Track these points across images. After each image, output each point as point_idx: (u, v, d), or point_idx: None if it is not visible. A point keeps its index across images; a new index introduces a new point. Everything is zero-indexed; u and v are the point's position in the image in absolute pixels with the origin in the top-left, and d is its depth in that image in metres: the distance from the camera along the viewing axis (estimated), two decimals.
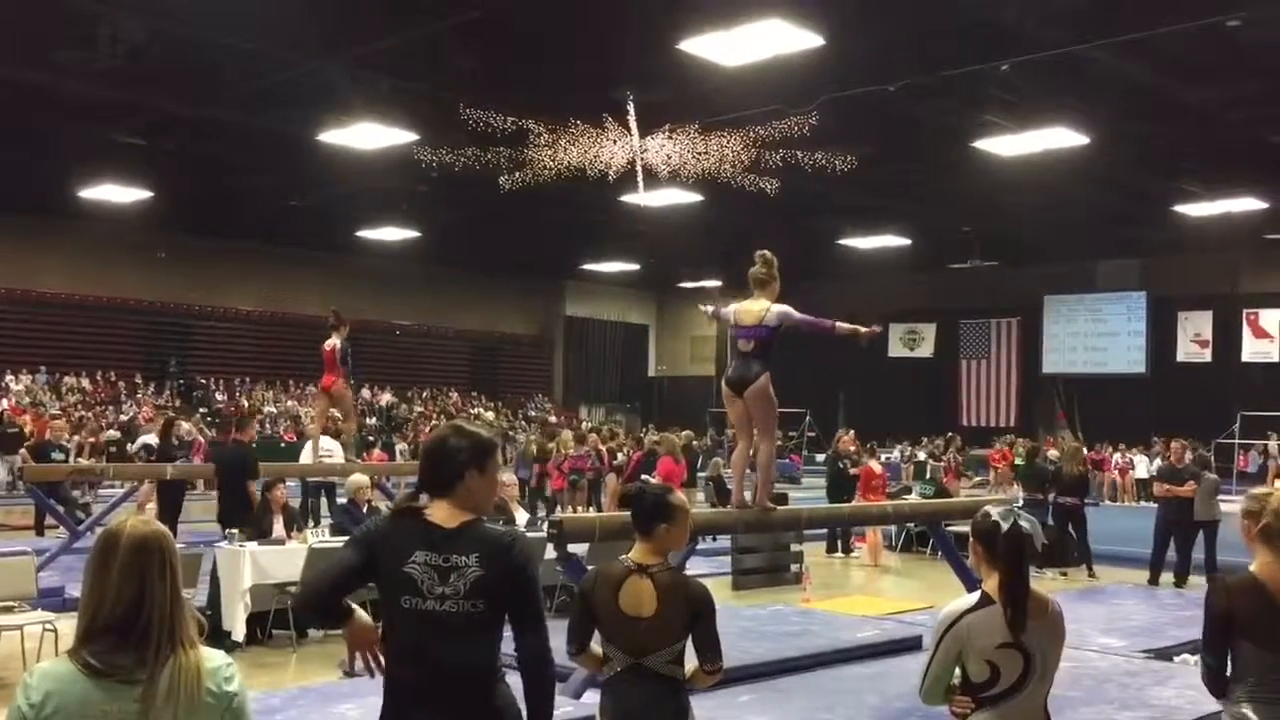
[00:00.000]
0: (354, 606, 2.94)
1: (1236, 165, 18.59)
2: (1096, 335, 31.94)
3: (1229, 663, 3.69)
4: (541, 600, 2.99)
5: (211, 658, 2.31)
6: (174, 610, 2.26)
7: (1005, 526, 3.35)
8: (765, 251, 6.64)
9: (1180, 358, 30.41)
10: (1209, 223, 22.35)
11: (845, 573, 13.87)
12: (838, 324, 6.71)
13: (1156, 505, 13.02)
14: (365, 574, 2.93)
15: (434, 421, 31.33)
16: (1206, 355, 30.06)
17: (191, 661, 2.25)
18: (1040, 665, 3.31)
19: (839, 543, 14.99)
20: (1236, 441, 27.06)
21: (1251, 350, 29.23)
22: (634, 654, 3.48)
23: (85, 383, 28.29)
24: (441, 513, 2.91)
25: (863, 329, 6.87)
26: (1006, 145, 16.45)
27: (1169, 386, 29.20)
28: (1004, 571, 3.32)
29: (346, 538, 9.07)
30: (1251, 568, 3.75)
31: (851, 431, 17.93)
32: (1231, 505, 14.02)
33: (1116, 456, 25.33)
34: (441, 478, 2.95)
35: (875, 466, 14.85)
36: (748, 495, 6.86)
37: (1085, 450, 17.14)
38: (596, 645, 3.60)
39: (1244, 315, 29.32)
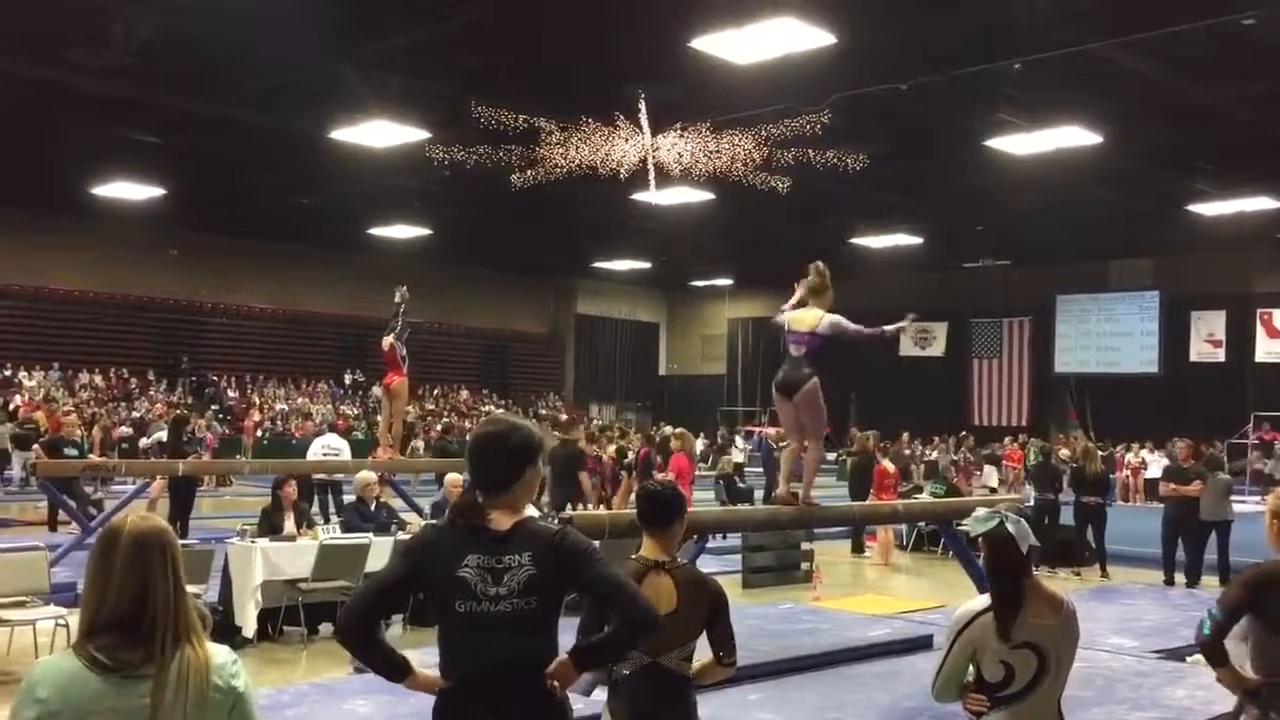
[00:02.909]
0: (410, 664, 2.88)
1: (1250, 164, 18.50)
2: (1109, 335, 31.82)
3: (1248, 649, 3.68)
4: (611, 568, 2.94)
5: (217, 653, 2.30)
6: (178, 605, 2.24)
7: (980, 530, 3.35)
8: (819, 262, 6.91)
9: (1193, 358, 30.25)
10: (1222, 222, 22.24)
11: (856, 572, 13.85)
12: (885, 329, 7.01)
13: (1163, 505, 12.97)
14: (413, 585, 2.93)
15: (445, 419, 31.39)
16: (1220, 355, 29.92)
17: (199, 656, 2.24)
18: (1054, 664, 3.30)
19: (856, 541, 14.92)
20: (1250, 442, 26.96)
21: (1265, 350, 29.07)
22: (651, 652, 3.46)
23: (98, 379, 28.41)
24: (497, 513, 2.89)
25: (905, 322, 7.18)
26: (1019, 144, 16.40)
27: (1182, 387, 29.05)
28: (989, 573, 3.34)
29: (357, 534, 9.10)
30: None
31: (875, 433, 18.10)
32: (1243, 506, 13.99)
33: (1129, 456, 25.26)
34: (501, 476, 2.94)
35: (888, 466, 14.83)
36: (795, 490, 7.17)
37: (1099, 449, 17.07)
38: None
39: (1258, 315, 29.18)
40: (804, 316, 6.77)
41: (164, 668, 2.19)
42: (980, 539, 3.36)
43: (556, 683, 2.83)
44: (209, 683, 2.23)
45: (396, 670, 2.88)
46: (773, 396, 6.98)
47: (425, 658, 2.98)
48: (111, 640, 2.20)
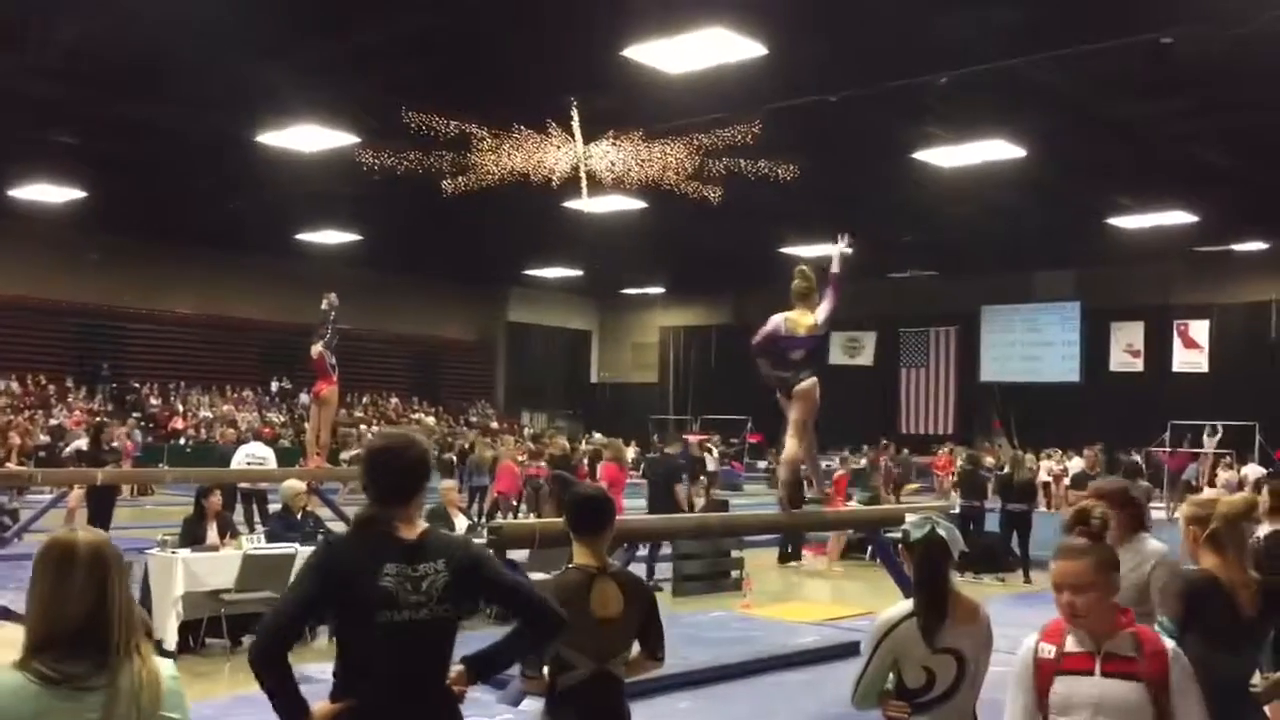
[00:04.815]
0: (309, 706, 2.80)
1: (1168, 179, 18.96)
2: (1032, 344, 32.44)
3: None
4: (512, 575, 3.14)
5: (164, 667, 2.32)
6: (128, 617, 2.27)
7: (918, 535, 3.40)
8: (803, 266, 7.20)
9: (1113, 367, 30.95)
10: (1141, 235, 22.80)
11: (786, 579, 13.94)
12: (836, 272, 7.23)
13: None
14: (332, 599, 2.87)
15: (374, 427, 31.03)
16: (1138, 365, 30.63)
17: (150, 668, 2.25)
18: (973, 670, 3.36)
19: (789, 548, 14.90)
20: (1167, 450, 27.59)
21: (1182, 360, 29.82)
22: (600, 658, 3.46)
23: (14, 386, 27.68)
24: (403, 523, 2.93)
25: (841, 245, 7.40)
26: (946, 157, 16.67)
27: (1102, 395, 29.71)
28: (919, 579, 3.38)
29: (282, 544, 8.96)
30: (1205, 565, 3.78)
31: None
32: (1160, 513, 14.32)
33: (1050, 463, 25.69)
34: (406, 487, 2.98)
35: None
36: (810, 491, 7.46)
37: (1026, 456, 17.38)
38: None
39: (1174, 326, 29.93)
40: (800, 321, 6.96)
41: (116, 680, 2.20)
42: (912, 545, 3.40)
43: (458, 689, 2.91)
44: (161, 694, 2.25)
45: (297, 709, 2.79)
46: (779, 400, 7.20)
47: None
48: (61, 654, 2.18)
